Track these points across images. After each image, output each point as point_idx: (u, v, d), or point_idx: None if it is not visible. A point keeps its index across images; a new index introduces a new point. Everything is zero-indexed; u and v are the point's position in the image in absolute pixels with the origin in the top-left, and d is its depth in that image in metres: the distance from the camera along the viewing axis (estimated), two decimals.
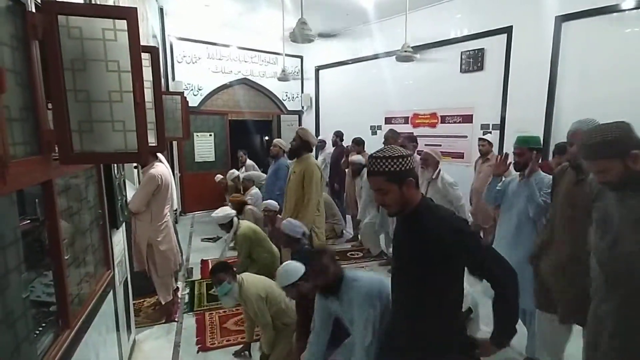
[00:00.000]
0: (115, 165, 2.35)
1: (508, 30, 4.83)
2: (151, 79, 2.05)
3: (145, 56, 2.05)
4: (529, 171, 2.39)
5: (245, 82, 7.59)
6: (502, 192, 2.60)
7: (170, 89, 6.27)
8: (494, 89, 5.03)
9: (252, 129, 9.21)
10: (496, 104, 5.02)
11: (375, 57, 6.57)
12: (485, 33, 5.10)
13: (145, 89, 1.96)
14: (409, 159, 1.45)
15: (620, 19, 3.97)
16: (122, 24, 1.43)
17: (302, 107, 8.35)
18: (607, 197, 1.53)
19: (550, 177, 2.32)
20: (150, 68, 2.10)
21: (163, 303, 3.20)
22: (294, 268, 2.36)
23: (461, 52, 5.37)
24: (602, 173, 1.44)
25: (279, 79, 6.66)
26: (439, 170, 3.57)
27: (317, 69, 7.96)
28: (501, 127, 5.02)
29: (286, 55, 6.83)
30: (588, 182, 1.74)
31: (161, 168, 3.10)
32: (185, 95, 5.84)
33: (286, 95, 8.15)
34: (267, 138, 9.63)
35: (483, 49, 5.15)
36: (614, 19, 4.01)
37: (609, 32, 4.04)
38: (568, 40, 4.33)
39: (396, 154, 1.43)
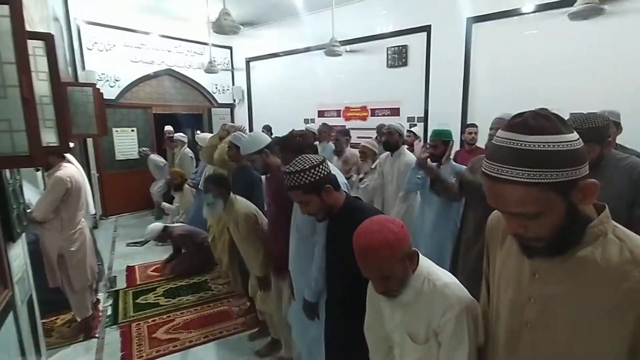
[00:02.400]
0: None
1: (427, 29, 5.14)
2: (47, 69, 1.80)
3: (39, 44, 1.79)
4: (445, 159, 2.64)
5: (170, 73, 7.09)
6: (423, 180, 2.79)
7: (81, 80, 5.62)
8: (418, 84, 5.33)
9: (181, 123, 8.68)
10: (420, 98, 5.33)
11: (307, 50, 6.56)
12: (407, 30, 5.37)
13: (41, 82, 1.72)
14: (321, 166, 1.48)
15: (521, 22, 4.44)
16: (4, 9, 1.22)
17: (234, 100, 8.07)
18: None
19: (463, 166, 2.55)
20: (45, 58, 1.84)
21: (79, 320, 2.90)
22: (261, 135, 2.37)
23: (387, 48, 5.61)
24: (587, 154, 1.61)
25: (207, 71, 6.34)
26: (378, 161, 3.71)
27: (248, 61, 7.74)
28: (425, 119, 5.35)
29: (213, 45, 6.53)
30: None
31: (70, 169, 2.77)
32: (99, 86, 5.31)
33: (216, 88, 7.80)
34: (198, 132, 9.17)
35: (406, 45, 5.42)
36: (516, 22, 4.47)
37: (512, 34, 4.50)
38: (478, 40, 4.74)
39: (308, 166, 1.46)
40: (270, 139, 2.43)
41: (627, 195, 1.58)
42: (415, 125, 5.32)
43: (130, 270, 4.30)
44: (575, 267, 0.72)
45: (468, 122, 4.81)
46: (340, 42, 5.29)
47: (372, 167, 3.57)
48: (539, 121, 0.66)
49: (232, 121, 7.84)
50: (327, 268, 1.68)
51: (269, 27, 7.18)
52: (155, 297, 3.63)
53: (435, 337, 1.08)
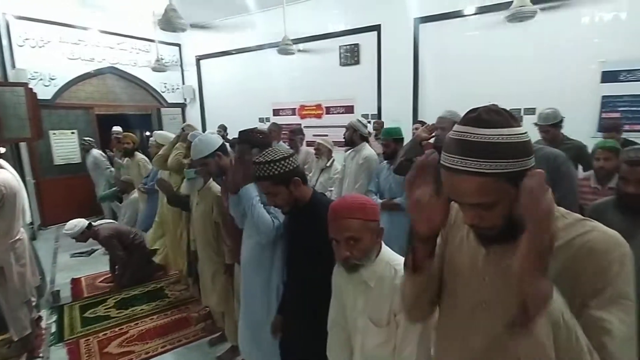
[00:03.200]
0: None
1: (377, 28, 5.29)
2: None
3: None
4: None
5: (114, 72, 6.68)
6: (376, 177, 2.90)
7: (11, 79, 5.13)
8: (370, 82, 5.47)
9: (128, 124, 8.22)
10: (373, 95, 5.48)
11: (260, 48, 6.48)
12: (359, 29, 5.49)
13: None
14: (291, 158, 1.50)
15: (464, 23, 4.70)
16: None
17: (185, 100, 7.78)
18: None
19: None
20: None
21: (16, 339, 2.66)
22: (212, 137, 2.28)
23: (340, 47, 5.69)
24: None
25: (154, 69, 6.06)
26: (333, 159, 3.76)
27: (198, 59, 7.49)
28: (378, 116, 5.50)
29: (161, 42, 6.25)
30: None
31: (4, 175, 2.53)
32: (32, 86, 4.89)
33: (165, 87, 7.47)
34: (147, 134, 8.73)
35: (358, 44, 5.54)
36: (459, 23, 4.73)
37: (456, 34, 4.76)
38: (426, 39, 4.96)
39: (278, 157, 1.47)
40: (222, 141, 2.37)
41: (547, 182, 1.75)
42: (369, 122, 5.45)
43: (75, 282, 4.01)
44: None
45: (418, 119, 5.03)
46: (293, 40, 5.29)
47: (328, 164, 3.62)
48: (492, 116, 0.70)
49: (184, 121, 7.56)
50: (288, 267, 1.67)
51: (220, 24, 6.99)
52: (105, 309, 3.41)
53: (394, 319, 1.14)
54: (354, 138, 3.42)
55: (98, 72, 6.46)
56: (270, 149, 1.54)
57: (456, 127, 0.74)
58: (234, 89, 7.07)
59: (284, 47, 4.86)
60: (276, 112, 6.70)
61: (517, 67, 4.35)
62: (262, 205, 1.75)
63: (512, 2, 3.53)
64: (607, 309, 0.68)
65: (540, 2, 3.96)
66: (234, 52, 6.96)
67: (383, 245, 1.25)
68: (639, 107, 3.93)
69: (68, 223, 3.79)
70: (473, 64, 4.64)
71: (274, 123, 4.83)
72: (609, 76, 4.03)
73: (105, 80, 6.65)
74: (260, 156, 1.50)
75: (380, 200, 3.11)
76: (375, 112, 5.51)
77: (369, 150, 3.30)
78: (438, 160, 0.80)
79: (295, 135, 4.13)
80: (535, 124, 2.92)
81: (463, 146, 0.70)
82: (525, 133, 0.71)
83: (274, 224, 1.73)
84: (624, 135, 3.48)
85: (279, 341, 1.72)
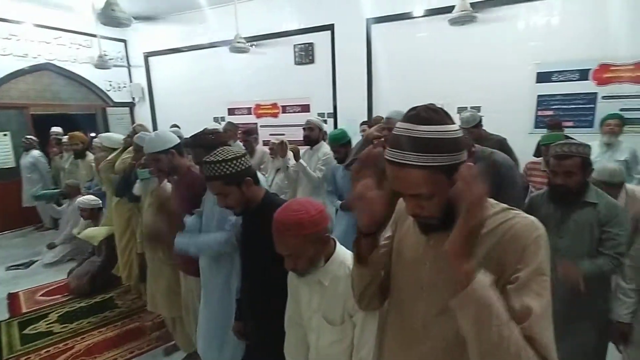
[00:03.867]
0: None
1: (331, 28, 5.34)
2: None
3: None
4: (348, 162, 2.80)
5: (51, 68, 6.17)
6: (333, 178, 2.93)
7: None
8: (325, 81, 5.51)
9: (70, 124, 7.64)
10: (328, 94, 5.52)
11: (212, 45, 6.29)
12: (313, 28, 5.50)
13: None
14: (243, 158, 1.48)
15: (413, 25, 4.87)
16: None
17: (133, 99, 7.38)
18: None
19: None
20: None
21: None
22: (169, 134, 2.23)
23: (294, 45, 5.68)
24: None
25: (97, 66, 5.68)
26: (289, 158, 3.73)
27: (147, 56, 7.13)
28: (335, 115, 5.57)
29: (103, 38, 5.86)
30: None
31: None
32: None
33: (110, 85, 7.04)
34: (93, 135, 8.18)
35: (312, 43, 5.56)
36: (409, 25, 4.89)
37: (406, 35, 4.92)
38: (378, 40, 5.08)
39: (230, 157, 1.44)
40: (179, 139, 2.30)
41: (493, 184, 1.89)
42: (325, 121, 5.51)
43: (13, 297, 3.68)
44: None
45: (365, 119, 5.16)
46: (246, 38, 5.21)
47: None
48: (429, 114, 0.78)
49: (133, 121, 7.18)
50: (243, 269, 1.64)
51: (169, 20, 6.71)
52: (47, 324, 3.17)
53: (350, 319, 1.16)
54: (319, 137, 3.45)
55: (33, 69, 5.94)
56: (221, 148, 1.50)
57: (398, 124, 0.80)
58: (187, 87, 6.81)
59: (236, 45, 4.77)
60: (231, 111, 6.55)
61: (463, 68, 4.58)
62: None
63: (454, 6, 3.73)
64: (527, 286, 0.75)
65: (480, 8, 4.22)
66: (185, 49, 6.70)
67: (337, 244, 1.27)
68: (569, 105, 4.30)
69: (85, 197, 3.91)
70: (423, 65, 4.82)
71: (229, 122, 4.73)
72: (543, 77, 4.37)
73: (41, 78, 6.14)
74: (211, 155, 1.46)
75: (340, 202, 3.16)
76: (332, 111, 5.57)
77: (327, 148, 3.34)
78: (381, 155, 0.85)
79: (249, 135, 4.06)
80: (460, 127, 3.11)
81: (405, 141, 0.77)
82: (458, 130, 0.79)
83: (224, 238, 1.73)
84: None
85: (245, 345, 1.70)
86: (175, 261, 2.24)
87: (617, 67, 4.04)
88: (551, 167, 1.67)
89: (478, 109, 4.44)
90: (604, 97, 4.14)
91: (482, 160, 1.87)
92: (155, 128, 6.93)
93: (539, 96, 4.41)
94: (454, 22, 3.87)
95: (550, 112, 4.30)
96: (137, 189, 2.66)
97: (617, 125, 3.49)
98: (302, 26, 5.60)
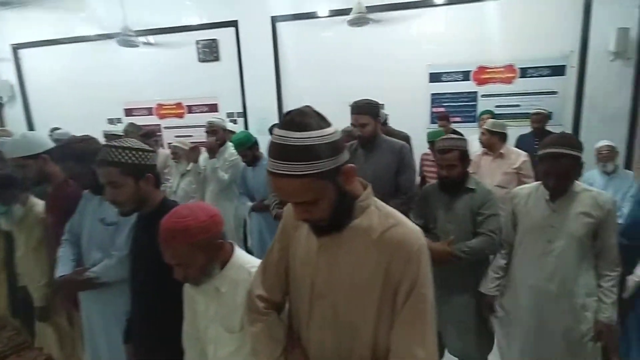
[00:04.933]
0: None
1: (235, 24, 5.15)
2: None
3: None
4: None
5: None
6: (243, 180, 2.85)
7: None
8: (232, 79, 5.30)
9: None
10: (237, 93, 5.33)
11: (101, 38, 5.59)
12: (216, 24, 5.24)
13: None
14: (152, 154, 1.34)
15: (318, 24, 4.96)
16: None
17: (0, 98, 6.22)
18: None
19: None
20: None
21: None
22: (39, 137, 1.96)
23: (196, 41, 5.35)
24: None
25: None
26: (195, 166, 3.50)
27: (15, 48, 6.05)
28: (244, 115, 5.41)
29: None
30: None
31: None
32: None
33: None
34: None
35: (216, 39, 5.30)
36: (314, 24, 4.96)
37: (312, 35, 4.98)
38: (285, 38, 5.06)
39: (136, 146, 1.30)
40: (52, 144, 1.98)
41: (394, 166, 2.05)
42: (235, 121, 5.33)
43: None
44: (350, 235, 0.85)
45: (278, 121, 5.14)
46: (141, 31, 4.76)
47: (188, 168, 3.38)
48: (304, 118, 0.75)
49: (2, 125, 6.06)
50: (133, 283, 1.46)
51: (42, 6, 5.76)
52: None
53: None
54: (223, 138, 3.31)
55: None
56: (131, 138, 1.35)
57: (275, 130, 0.77)
58: (71, 84, 5.94)
59: (125, 39, 4.31)
60: (129, 112, 5.92)
61: (366, 68, 4.80)
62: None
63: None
64: (409, 311, 0.81)
65: (375, 11, 4.48)
66: (65, 40, 5.82)
67: (236, 248, 1.21)
68: (457, 102, 4.83)
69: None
70: (330, 64, 4.94)
71: (131, 124, 4.28)
72: (434, 77, 4.83)
73: None
74: (116, 141, 1.29)
75: (251, 203, 3.08)
76: (241, 110, 5.39)
77: (232, 149, 3.23)
78: None
79: (148, 138, 3.71)
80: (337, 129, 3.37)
81: (280, 150, 0.74)
82: (335, 133, 0.77)
83: (115, 261, 1.60)
84: (452, 125, 4.26)
85: None
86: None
87: (492, 69, 4.66)
88: (437, 161, 1.83)
89: (382, 107, 4.71)
90: (482, 96, 4.73)
91: (394, 150, 2.09)
92: (32, 131, 5.93)
93: (432, 94, 4.86)
94: (352, 23, 4.06)
95: (442, 109, 4.76)
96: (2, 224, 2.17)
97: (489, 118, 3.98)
98: (205, 21, 5.30)
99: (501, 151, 2.93)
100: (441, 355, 1.88)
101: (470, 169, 3.21)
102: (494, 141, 2.93)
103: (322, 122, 0.77)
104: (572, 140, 1.53)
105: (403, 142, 2.20)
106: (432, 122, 4.82)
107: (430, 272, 0.84)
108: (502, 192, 2.49)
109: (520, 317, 1.68)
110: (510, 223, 1.74)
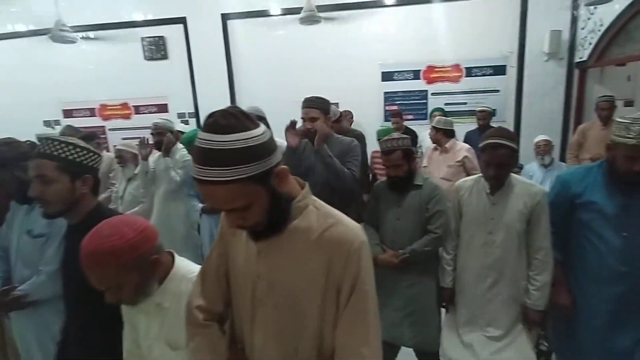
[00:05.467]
0: None
1: (183, 21, 4.96)
2: None
3: None
4: None
5: None
6: (194, 181, 2.75)
7: None
8: (182, 79, 5.10)
9: None
10: (188, 93, 5.14)
11: (34, 34, 5.14)
12: (163, 20, 5.01)
13: None
14: (96, 156, 1.25)
15: (270, 22, 4.89)
16: None
17: None
18: None
19: None
20: None
21: None
22: None
23: (142, 38, 5.08)
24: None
25: None
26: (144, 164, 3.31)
27: None
28: (196, 115, 5.22)
29: None
30: None
31: None
32: None
33: None
34: None
35: (163, 36, 5.07)
36: (266, 23, 4.89)
37: (265, 33, 4.91)
38: (235, 36, 4.94)
39: (81, 145, 1.20)
40: None
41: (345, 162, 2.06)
42: (187, 121, 5.14)
43: None
44: (289, 238, 0.82)
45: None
46: (79, 27, 4.44)
47: (136, 172, 3.19)
48: (229, 120, 0.70)
49: None
50: (66, 299, 1.35)
51: None
52: None
53: None
54: (174, 140, 3.16)
55: None
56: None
57: (199, 134, 0.72)
58: (1, 84, 5.42)
59: (59, 34, 3.99)
60: (68, 113, 5.50)
61: (320, 67, 4.82)
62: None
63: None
64: (352, 310, 0.80)
65: (326, 10, 4.51)
66: None
67: (177, 258, 1.14)
68: (409, 100, 4.97)
69: None
70: (284, 62, 4.90)
71: (69, 126, 3.97)
72: (386, 76, 4.94)
73: None
74: (59, 136, 1.22)
75: (201, 205, 2.98)
76: (192, 110, 5.20)
77: (184, 150, 3.10)
78: None
79: (89, 140, 3.43)
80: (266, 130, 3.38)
81: (205, 156, 0.69)
82: (264, 133, 0.73)
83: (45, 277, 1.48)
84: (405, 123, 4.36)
85: None
86: None
87: (440, 69, 4.84)
88: (382, 162, 1.86)
89: (336, 105, 4.74)
90: (432, 94, 4.91)
91: (344, 146, 2.11)
92: None
93: (385, 93, 4.97)
94: (303, 21, 4.07)
95: (395, 107, 4.88)
96: None
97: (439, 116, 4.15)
98: (150, 17, 5.04)
99: (446, 146, 3.06)
100: (395, 353, 1.92)
101: (423, 163, 3.37)
102: (439, 137, 3.06)
103: (249, 123, 0.72)
104: (509, 133, 1.64)
105: (353, 139, 2.22)
106: (386, 119, 4.93)
107: (371, 268, 0.83)
108: (447, 185, 2.59)
109: (467, 305, 1.75)
110: (458, 213, 1.80)
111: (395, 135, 1.90)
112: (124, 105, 5.40)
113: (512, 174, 1.67)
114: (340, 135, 2.30)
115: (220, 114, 0.71)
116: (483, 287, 1.68)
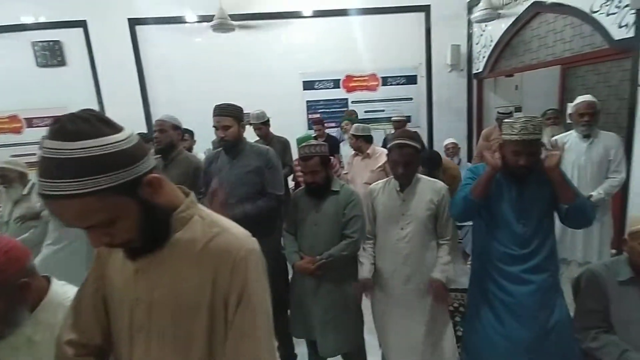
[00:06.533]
0: None
1: (83, 25, 4.51)
2: None
3: None
4: None
5: None
6: None
7: None
8: (86, 86, 4.62)
9: None
10: (92, 102, 4.63)
11: None
12: (58, 24, 4.50)
13: None
14: None
15: (184, 29, 4.67)
16: None
17: None
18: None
19: None
20: None
21: None
22: None
23: (32, 43, 4.49)
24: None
25: None
26: (32, 183, 2.87)
27: None
28: None
29: None
30: None
31: None
32: None
33: None
34: None
35: (59, 41, 4.54)
36: (179, 29, 4.66)
37: (178, 39, 4.67)
38: (146, 42, 4.62)
39: None
40: None
41: (262, 171, 2.03)
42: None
43: None
44: (171, 252, 0.74)
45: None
46: None
47: (25, 192, 2.77)
48: (79, 125, 0.60)
49: None
50: None
51: None
52: None
53: None
54: None
55: None
56: None
57: (45, 142, 0.61)
58: None
59: None
60: None
61: (243, 75, 4.72)
62: None
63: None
64: (241, 312, 0.73)
65: (242, 19, 4.47)
66: None
67: (53, 282, 1.00)
68: (330, 108, 5.09)
69: None
70: (204, 70, 4.71)
71: None
72: (308, 85, 5.01)
73: None
74: None
75: None
76: None
77: None
78: None
79: None
80: (249, 123, 3.30)
81: (52, 166, 0.58)
82: (127, 139, 0.64)
83: None
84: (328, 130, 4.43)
85: None
86: None
87: (358, 78, 5.05)
88: (301, 168, 1.85)
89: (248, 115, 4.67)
90: (353, 102, 5.10)
91: (261, 154, 2.06)
92: None
93: (307, 101, 5.04)
94: (215, 28, 4.00)
95: (317, 115, 4.96)
96: None
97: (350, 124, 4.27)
98: (43, 20, 4.49)
99: (368, 152, 3.16)
100: None
101: (345, 169, 3.45)
102: (360, 143, 3.15)
103: (106, 127, 0.63)
104: (413, 134, 1.75)
105: (268, 147, 2.18)
106: (310, 127, 4.98)
107: (263, 278, 0.78)
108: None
109: (388, 302, 1.79)
110: (372, 215, 1.85)
111: (313, 141, 1.90)
112: (13, 118, 4.71)
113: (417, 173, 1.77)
114: (254, 143, 2.24)
115: (67, 118, 0.61)
116: (399, 281, 1.75)
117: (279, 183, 2.06)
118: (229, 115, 1.98)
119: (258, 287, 0.75)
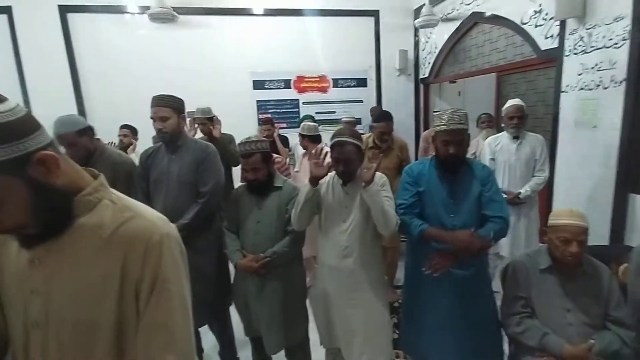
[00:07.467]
0: None
1: (8, 11, 4.07)
2: None
3: None
4: None
5: None
6: None
7: None
8: (7, 82, 4.15)
9: None
10: (15, 94, 4.18)
11: None
12: None
13: None
14: None
15: (124, 19, 4.38)
16: None
17: None
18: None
19: None
20: None
21: None
22: None
23: None
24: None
25: None
26: None
27: None
28: None
29: None
30: None
31: None
32: None
33: None
34: None
35: None
36: (122, 19, 4.36)
37: (118, 30, 4.36)
38: (79, 32, 4.28)
39: None
40: None
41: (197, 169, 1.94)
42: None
43: None
44: (72, 239, 0.67)
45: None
46: None
47: None
48: None
49: None
50: None
51: None
52: None
53: None
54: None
55: None
56: None
57: None
58: None
59: None
60: None
61: (189, 70, 4.52)
62: None
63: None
64: (157, 308, 0.68)
65: (182, 13, 4.28)
66: None
67: None
68: (281, 109, 5.04)
69: None
70: (147, 64, 4.43)
71: None
72: (258, 84, 4.92)
73: None
74: None
75: None
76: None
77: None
78: None
79: None
80: (194, 118, 3.17)
81: None
82: (10, 111, 0.58)
83: None
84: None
85: None
86: None
87: (308, 79, 5.06)
88: (242, 165, 1.79)
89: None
90: (304, 103, 5.09)
91: (200, 150, 1.99)
92: None
93: (257, 101, 4.95)
94: (153, 18, 3.84)
95: (268, 115, 4.88)
96: None
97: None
98: None
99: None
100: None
101: (296, 168, 3.42)
102: (306, 143, 3.15)
103: None
104: (354, 132, 1.75)
105: (209, 144, 2.09)
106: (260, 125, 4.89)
107: (179, 264, 0.72)
108: None
109: (329, 297, 1.78)
110: (318, 209, 1.82)
111: (254, 138, 1.84)
112: None
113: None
114: (196, 139, 2.14)
115: None
116: (344, 274, 1.73)
117: (209, 177, 1.96)
118: (167, 106, 1.87)
119: (174, 273, 0.70)
